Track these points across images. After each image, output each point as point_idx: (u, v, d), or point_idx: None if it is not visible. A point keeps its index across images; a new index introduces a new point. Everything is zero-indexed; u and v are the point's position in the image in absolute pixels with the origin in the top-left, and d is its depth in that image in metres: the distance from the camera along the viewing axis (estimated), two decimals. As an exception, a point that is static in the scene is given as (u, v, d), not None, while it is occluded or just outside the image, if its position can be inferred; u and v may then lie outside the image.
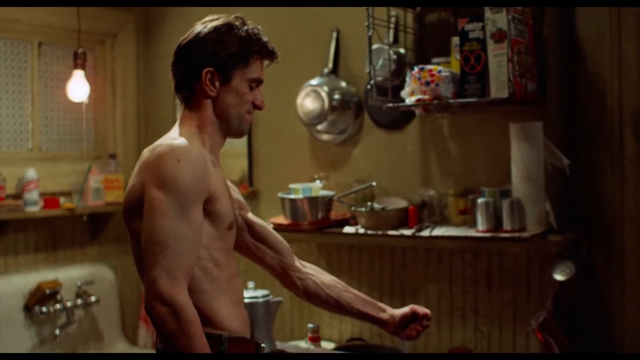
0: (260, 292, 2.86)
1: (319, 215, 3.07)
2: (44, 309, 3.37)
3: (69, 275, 3.57)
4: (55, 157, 3.71)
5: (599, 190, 2.69)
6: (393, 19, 3.05)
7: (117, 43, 3.92)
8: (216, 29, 2.06)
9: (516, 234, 2.60)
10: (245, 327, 2.08)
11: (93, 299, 3.58)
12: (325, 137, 3.30)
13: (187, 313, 1.79)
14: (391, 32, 3.05)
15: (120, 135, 3.93)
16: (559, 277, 2.61)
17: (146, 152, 2.01)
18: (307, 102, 3.19)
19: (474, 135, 2.93)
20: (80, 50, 3.30)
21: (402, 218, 2.95)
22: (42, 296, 3.36)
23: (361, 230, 2.98)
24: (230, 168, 3.69)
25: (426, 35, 3.02)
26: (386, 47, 2.96)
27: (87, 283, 3.57)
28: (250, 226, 2.34)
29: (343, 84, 3.23)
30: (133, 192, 1.94)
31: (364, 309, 2.38)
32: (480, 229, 2.71)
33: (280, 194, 3.13)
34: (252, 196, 3.60)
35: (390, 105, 2.77)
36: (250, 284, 2.92)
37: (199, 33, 2.07)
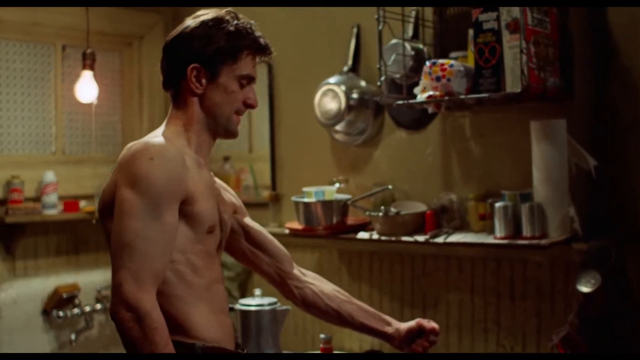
0: (267, 300, 2.76)
1: (334, 220, 2.92)
2: (62, 313, 3.34)
3: (90, 279, 3.54)
4: (79, 160, 3.69)
5: (631, 194, 2.45)
6: (413, 13, 2.89)
7: (144, 45, 3.88)
8: (203, 23, 1.96)
9: (535, 241, 2.40)
10: (226, 337, 1.95)
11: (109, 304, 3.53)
12: (344, 138, 3.15)
13: (151, 319, 1.68)
14: (410, 26, 2.88)
15: (147, 138, 3.88)
16: (583, 288, 2.38)
17: (124, 150, 1.91)
18: (324, 102, 3.06)
19: (496, 135, 2.73)
20: (88, 51, 3.27)
21: (419, 223, 2.77)
22: (59, 300, 3.33)
23: (375, 236, 2.82)
24: (262, 172, 3.60)
25: (446, 29, 2.84)
26: (406, 43, 2.80)
27: (108, 288, 3.52)
28: (246, 231, 2.23)
29: (362, 82, 3.08)
30: (107, 192, 1.87)
31: (367, 321, 2.23)
32: (498, 235, 2.51)
33: (294, 198, 3.00)
34: (275, 200, 3.48)
35: (401, 102, 2.61)
36: (257, 292, 2.81)
37: (186, 28, 1.98)
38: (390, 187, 2.89)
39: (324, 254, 3.28)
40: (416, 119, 2.93)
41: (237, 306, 2.76)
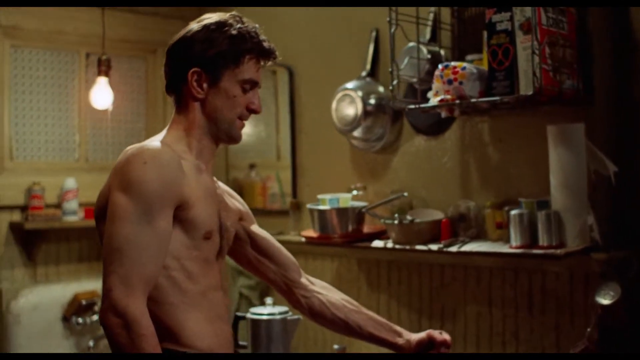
0: (277, 309, 2.70)
1: (350, 228, 2.86)
2: (81, 319, 3.34)
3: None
4: (102, 168, 3.69)
5: (655, 201, 2.33)
6: (431, 16, 2.81)
7: (169, 52, 3.88)
8: (205, 27, 1.93)
9: (550, 251, 2.29)
10: (222, 345, 1.90)
11: (135, 311, 3.52)
12: (362, 144, 3.08)
13: (140, 326, 1.65)
14: (428, 29, 2.81)
15: (170, 146, 3.88)
16: (602, 300, 2.26)
17: (121, 154, 1.89)
18: (341, 107, 3.00)
19: (515, 140, 2.63)
20: (104, 57, 3.27)
21: (435, 232, 2.68)
22: (78, 307, 3.34)
23: (389, 245, 2.74)
24: (288, 180, 3.55)
25: (464, 32, 2.75)
26: (421, 46, 2.73)
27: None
28: (252, 238, 2.18)
29: (380, 87, 3.01)
30: (102, 196, 1.85)
31: (376, 332, 2.16)
32: (513, 244, 2.41)
33: (309, 205, 2.95)
34: (295, 208, 3.43)
35: (413, 107, 2.53)
36: (269, 300, 2.75)
37: (188, 32, 1.96)
38: (406, 194, 2.80)
39: (343, 262, 3.22)
40: (434, 124, 2.85)
41: (248, 315, 2.70)
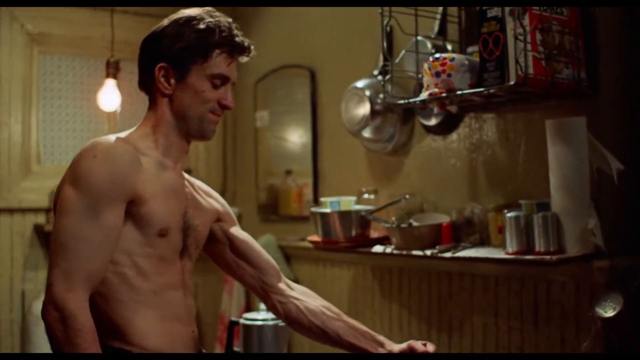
0: (270, 315, 2.61)
1: (353, 232, 2.72)
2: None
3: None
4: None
5: (668, 204, 2.09)
6: (440, 9, 2.65)
7: (201, 59, 3.87)
8: (174, 21, 1.91)
9: (542, 257, 2.09)
10: (176, 345, 1.84)
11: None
12: (374, 145, 2.95)
13: (76, 321, 1.62)
14: (436, 23, 2.65)
15: (202, 151, 3.87)
16: (602, 312, 2.04)
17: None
18: (349, 107, 2.88)
19: (521, 138, 2.43)
20: (112, 60, 3.27)
21: (436, 237, 2.51)
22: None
23: (388, 250, 2.59)
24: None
25: (470, 25, 2.58)
26: (426, 40, 2.59)
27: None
28: (230, 240, 2.12)
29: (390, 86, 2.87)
30: (57, 190, 1.83)
31: (356, 341, 2.03)
32: (509, 249, 2.22)
33: (312, 209, 2.84)
34: (315, 213, 3.33)
35: (402, 102, 2.38)
36: (263, 306, 2.66)
37: (159, 27, 1.93)
38: (407, 196, 2.65)
39: (359, 270, 3.08)
40: (442, 123, 2.68)
41: (241, 320, 2.63)
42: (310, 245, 2.93)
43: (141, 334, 1.77)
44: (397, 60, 2.46)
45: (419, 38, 2.60)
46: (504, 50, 2.12)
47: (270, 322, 2.57)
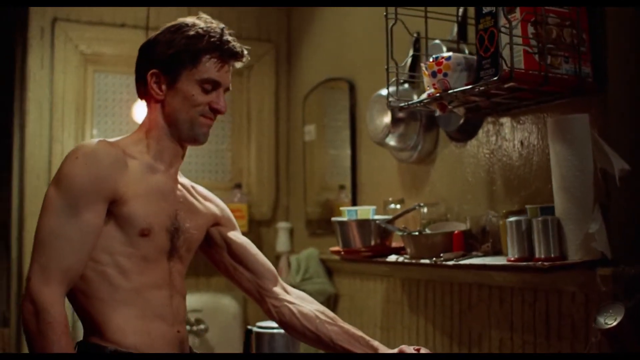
0: (283, 324, 2.58)
1: (372, 242, 2.66)
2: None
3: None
4: (184, 187, 3.80)
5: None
6: (461, 11, 2.58)
7: (253, 74, 3.94)
8: (167, 29, 2.00)
9: (534, 263, 1.96)
10: (156, 345, 1.87)
11: (202, 327, 3.56)
12: (400, 154, 2.88)
13: (48, 314, 1.70)
14: (455, 25, 2.58)
15: (254, 166, 3.92)
16: (602, 323, 1.89)
17: None
18: (373, 116, 2.84)
19: (535, 140, 2.30)
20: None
21: (449, 245, 2.41)
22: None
23: (401, 259, 2.51)
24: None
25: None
26: (442, 44, 2.52)
27: (193, 311, 3.56)
28: (228, 244, 2.17)
29: (415, 94, 2.80)
30: None
31: (350, 346, 2.03)
32: (511, 257, 2.10)
33: (333, 219, 2.80)
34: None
35: (401, 105, 2.32)
36: (277, 314, 2.63)
37: (153, 35, 2.02)
38: (421, 204, 2.57)
39: (390, 283, 3.01)
40: (461, 130, 2.59)
41: (254, 328, 2.62)
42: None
43: (119, 331, 1.82)
44: (402, 64, 2.40)
45: (436, 42, 2.54)
46: (497, 46, 2.03)
47: (281, 330, 2.54)
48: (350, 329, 2.05)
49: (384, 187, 3.08)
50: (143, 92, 1.99)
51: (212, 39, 1.94)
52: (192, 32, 1.94)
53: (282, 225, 3.87)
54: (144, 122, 2.00)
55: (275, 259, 3.87)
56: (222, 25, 2.00)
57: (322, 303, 3.27)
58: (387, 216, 2.70)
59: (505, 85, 2.00)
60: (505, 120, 2.41)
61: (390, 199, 2.87)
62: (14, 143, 3.61)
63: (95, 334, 1.82)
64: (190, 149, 3.70)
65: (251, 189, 3.92)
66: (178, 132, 1.95)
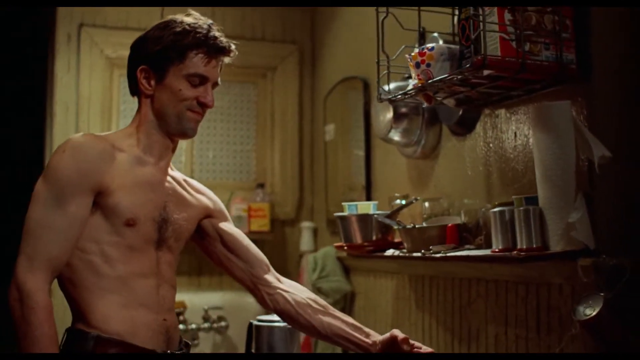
0: (282, 317, 2.60)
1: (374, 237, 2.66)
2: (166, 327, 3.49)
3: (208, 300, 3.65)
4: (209, 186, 3.84)
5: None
6: (461, 4, 2.55)
7: (277, 76, 3.99)
8: (157, 26, 2.07)
9: (509, 253, 1.92)
10: (139, 333, 1.92)
11: (223, 324, 3.61)
12: (406, 150, 2.87)
13: (31, 300, 1.77)
14: (456, 19, 2.55)
15: (277, 167, 3.96)
16: (580, 314, 1.84)
17: None
18: (377, 112, 2.83)
19: (527, 131, 2.26)
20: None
21: (444, 238, 2.39)
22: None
23: (396, 253, 2.50)
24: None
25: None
26: (440, 38, 2.50)
27: (215, 308, 3.61)
28: (221, 235, 2.22)
29: (420, 88, 2.79)
30: None
31: (343, 333, 2.12)
32: (495, 248, 2.07)
33: (335, 214, 2.80)
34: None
35: (387, 98, 2.31)
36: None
37: (143, 33, 2.09)
38: (418, 198, 2.55)
39: (399, 280, 2.99)
40: (460, 123, 2.56)
41: (254, 322, 2.64)
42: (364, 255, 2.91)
43: (102, 318, 1.87)
44: (393, 57, 2.39)
45: (434, 35, 2.53)
46: (479, 35, 2.01)
47: (280, 324, 2.56)
48: (342, 316, 2.12)
49: (396, 184, 3.07)
50: (134, 88, 2.04)
51: (198, 35, 1.98)
52: (179, 29, 1.99)
53: (306, 224, 3.89)
54: (135, 117, 2.06)
55: (299, 258, 3.90)
56: (209, 22, 2.04)
57: (338, 301, 3.32)
58: (385, 211, 2.69)
59: (485, 74, 1.98)
60: (500, 112, 2.38)
61: (396, 194, 2.85)
62: (46, 144, 3.75)
63: (81, 321, 1.87)
64: (215, 150, 3.81)
65: (275, 188, 3.96)
66: (167, 126, 2.00)
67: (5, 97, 4.19)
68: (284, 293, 2.13)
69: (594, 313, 1.80)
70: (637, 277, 1.81)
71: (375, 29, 3.20)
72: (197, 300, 3.62)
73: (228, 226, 2.23)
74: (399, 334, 1.98)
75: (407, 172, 2.97)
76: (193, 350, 3.54)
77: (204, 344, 3.63)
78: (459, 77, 1.99)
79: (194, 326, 3.57)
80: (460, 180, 2.59)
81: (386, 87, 2.37)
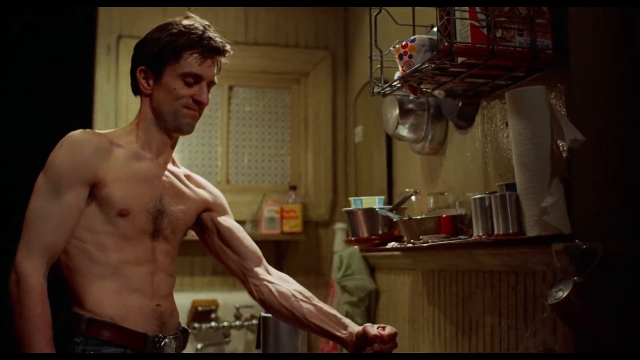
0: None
1: (380, 231, 2.70)
2: (197, 325, 3.61)
3: (240, 299, 3.74)
4: (244, 189, 3.98)
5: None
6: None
7: (310, 81, 4.07)
8: (156, 28, 2.18)
9: (478, 237, 1.93)
10: (130, 318, 2.01)
11: (254, 322, 3.69)
12: (416, 146, 2.89)
13: (26, 282, 1.89)
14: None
15: (311, 170, 4.03)
16: (550, 298, 1.83)
17: None
18: (386, 108, 2.87)
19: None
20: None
21: (439, 229, 2.41)
22: (196, 313, 3.62)
23: (396, 245, 2.53)
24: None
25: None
26: (435, 31, 2.53)
27: (246, 307, 3.70)
28: (217, 228, 2.31)
29: (427, 84, 2.81)
30: None
31: (322, 324, 2.13)
32: (476, 235, 2.07)
33: (344, 209, 2.85)
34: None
35: (377, 91, 2.35)
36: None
37: (144, 35, 2.20)
38: (417, 190, 2.57)
39: (414, 276, 3.00)
40: (462, 116, 2.57)
41: (263, 314, 2.70)
42: (388, 254, 2.95)
43: (95, 302, 1.97)
44: (386, 52, 2.43)
45: (434, 29, 2.55)
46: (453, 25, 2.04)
47: (286, 316, 2.62)
48: (323, 308, 2.13)
49: (412, 180, 3.09)
50: (135, 87, 2.15)
51: (193, 36, 2.06)
52: (175, 30, 2.09)
53: (339, 226, 3.93)
54: (136, 115, 2.17)
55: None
56: (206, 23, 2.13)
57: (362, 299, 3.36)
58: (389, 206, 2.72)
59: (459, 61, 2.00)
60: (495, 103, 2.39)
61: (406, 190, 2.88)
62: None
63: (77, 304, 1.98)
64: (251, 155, 3.90)
65: (308, 191, 4.03)
66: (164, 123, 2.09)
67: (52, 107, 4.42)
68: (269, 284, 2.18)
69: (563, 296, 1.79)
70: (609, 262, 1.80)
71: (393, 30, 3.26)
72: (229, 299, 3.73)
73: (226, 219, 2.30)
74: (370, 330, 1.97)
75: (420, 169, 2.99)
76: (224, 348, 3.65)
77: (236, 342, 3.72)
78: (432, 65, 2.01)
79: (225, 324, 3.67)
80: (463, 174, 2.60)
81: (381, 82, 2.40)
